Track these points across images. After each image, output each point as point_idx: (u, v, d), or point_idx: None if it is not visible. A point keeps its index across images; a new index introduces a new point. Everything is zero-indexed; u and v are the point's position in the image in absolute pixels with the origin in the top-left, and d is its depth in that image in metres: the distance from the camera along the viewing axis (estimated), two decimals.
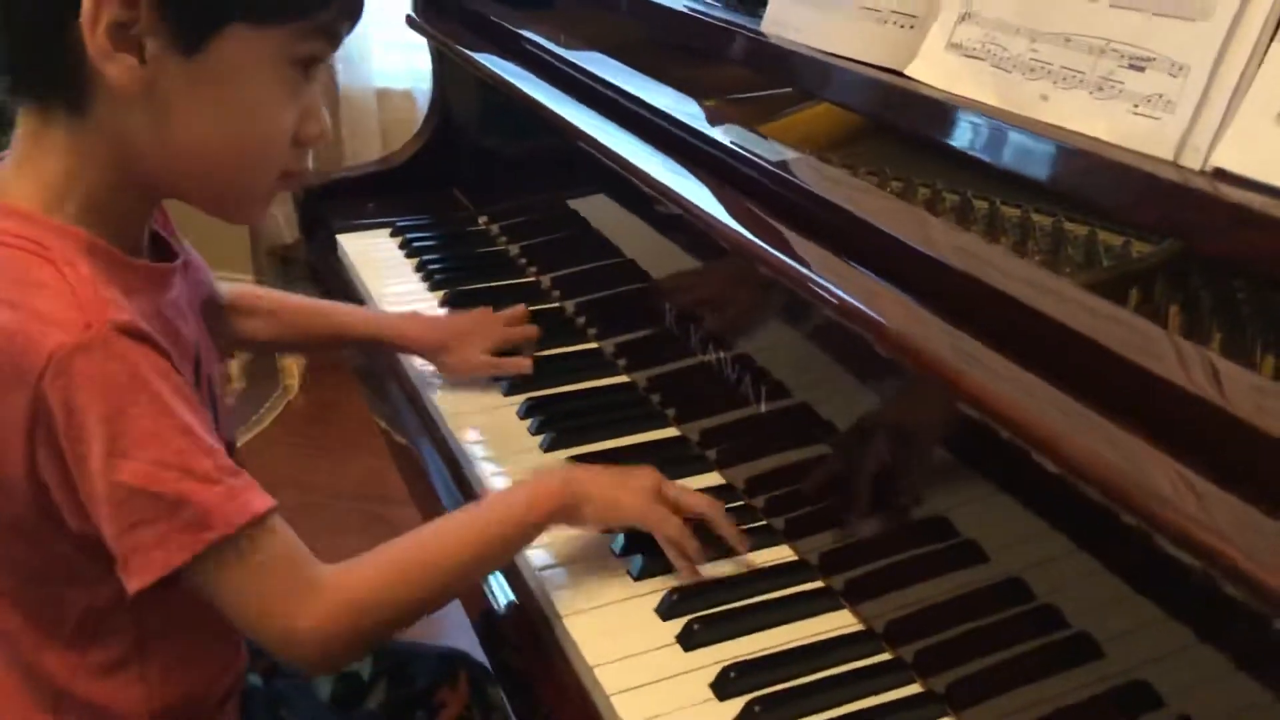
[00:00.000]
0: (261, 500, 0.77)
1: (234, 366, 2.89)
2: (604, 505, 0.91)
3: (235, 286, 1.15)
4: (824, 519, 0.94)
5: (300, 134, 0.81)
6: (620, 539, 0.95)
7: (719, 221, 0.95)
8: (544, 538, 0.95)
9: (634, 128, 1.13)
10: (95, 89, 0.74)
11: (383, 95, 2.87)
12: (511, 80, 1.31)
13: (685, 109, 1.11)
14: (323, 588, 0.79)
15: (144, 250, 0.85)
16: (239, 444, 2.76)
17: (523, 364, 1.21)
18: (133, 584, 0.75)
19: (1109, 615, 0.70)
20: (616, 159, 1.08)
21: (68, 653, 0.83)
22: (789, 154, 0.99)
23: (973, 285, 0.75)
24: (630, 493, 0.92)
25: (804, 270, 0.85)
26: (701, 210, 0.97)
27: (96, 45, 0.72)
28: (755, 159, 0.97)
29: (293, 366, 2.88)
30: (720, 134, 1.04)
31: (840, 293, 0.81)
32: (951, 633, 0.83)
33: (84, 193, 0.78)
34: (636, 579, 0.92)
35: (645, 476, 0.94)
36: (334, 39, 0.79)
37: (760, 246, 0.90)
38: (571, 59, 1.29)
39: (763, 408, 1.01)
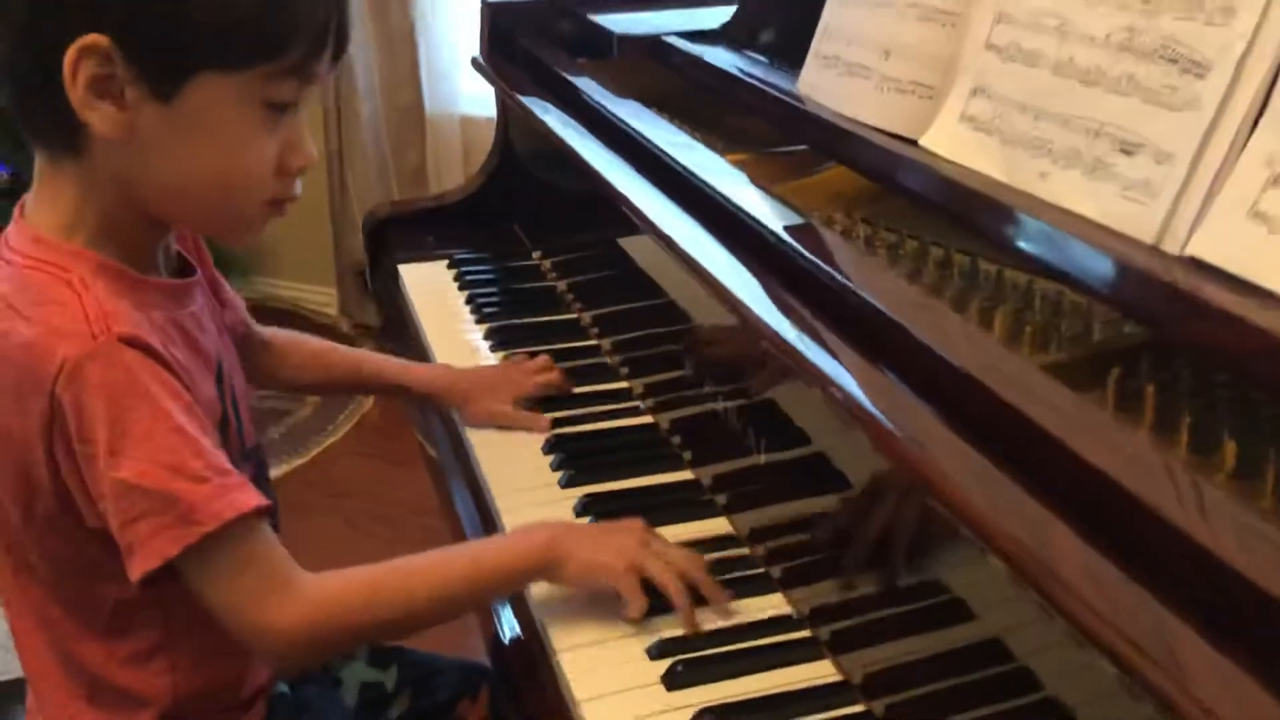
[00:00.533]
0: (250, 499, 0.83)
1: None
2: (583, 567, 0.95)
3: (276, 331, 1.24)
4: (820, 571, 0.98)
5: (284, 165, 0.88)
6: None
7: (747, 309, 0.96)
8: None
9: (676, 193, 1.17)
10: (88, 134, 0.82)
11: (466, 122, 2.97)
12: (565, 138, 1.37)
13: (730, 182, 1.14)
14: (297, 591, 0.86)
15: (160, 268, 0.93)
16: (314, 452, 2.84)
17: (539, 421, 1.25)
18: (134, 573, 0.82)
19: (1081, 683, 0.72)
20: (659, 233, 1.11)
21: (101, 643, 0.91)
22: (820, 232, 1.02)
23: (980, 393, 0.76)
24: (611, 553, 0.95)
25: (821, 370, 0.86)
26: (731, 294, 0.99)
27: (78, 97, 0.80)
28: (785, 240, 0.99)
29: None
30: (754, 207, 1.07)
31: (855, 396, 0.82)
32: (925, 689, 0.86)
33: (94, 221, 0.86)
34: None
35: (629, 535, 0.97)
36: (307, 78, 0.85)
37: (788, 344, 0.90)
38: (622, 116, 1.34)
39: (774, 459, 1.05)
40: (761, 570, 1.03)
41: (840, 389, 0.83)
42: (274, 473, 2.60)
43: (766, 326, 0.92)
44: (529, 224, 1.72)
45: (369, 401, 2.95)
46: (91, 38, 0.78)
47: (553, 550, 0.95)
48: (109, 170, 0.85)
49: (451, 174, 2.95)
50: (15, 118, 0.86)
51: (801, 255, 0.96)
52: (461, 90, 2.94)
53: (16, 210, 0.90)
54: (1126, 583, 0.58)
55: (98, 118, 0.81)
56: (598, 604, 0.99)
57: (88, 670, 0.92)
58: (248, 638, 0.87)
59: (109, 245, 0.87)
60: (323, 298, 3.33)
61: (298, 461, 2.73)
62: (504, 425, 1.26)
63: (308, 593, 0.86)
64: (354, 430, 2.86)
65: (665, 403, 1.27)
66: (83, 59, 0.79)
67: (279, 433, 2.83)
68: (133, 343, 0.81)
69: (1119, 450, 0.69)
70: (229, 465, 0.85)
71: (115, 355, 0.80)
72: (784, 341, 0.89)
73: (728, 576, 1.01)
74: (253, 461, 1.01)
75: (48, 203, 0.87)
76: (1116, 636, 0.56)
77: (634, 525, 0.99)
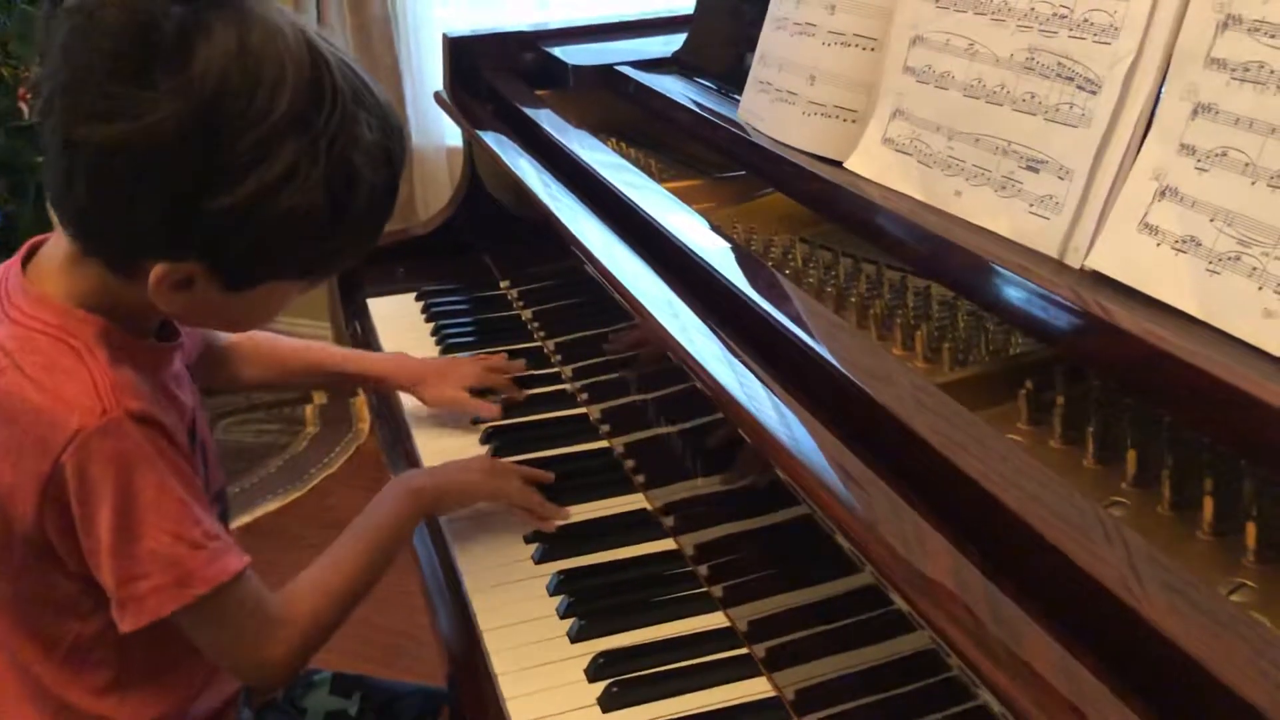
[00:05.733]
0: (237, 561, 0.90)
1: (308, 411, 3.05)
2: (458, 494, 1.14)
3: (233, 335, 1.27)
4: (759, 589, 1.00)
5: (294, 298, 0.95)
6: (564, 603, 1.03)
7: (703, 370, 0.94)
8: (494, 601, 1.04)
9: (621, 225, 1.18)
10: (142, 281, 0.84)
11: (452, 153, 3.00)
12: (516, 171, 1.40)
13: (680, 222, 1.13)
14: (279, 627, 0.95)
15: (152, 335, 0.96)
16: (311, 484, 2.87)
17: (492, 409, 1.32)
18: (125, 625, 0.88)
19: None
20: (613, 281, 1.11)
21: (64, 671, 0.96)
22: (749, 264, 1.03)
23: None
24: (476, 474, 1.14)
25: (779, 440, 0.84)
26: (685, 352, 0.97)
27: (155, 291, 0.84)
28: (720, 274, 1.00)
29: (364, 411, 3.02)
30: (693, 240, 1.07)
31: (809, 471, 0.79)
32: (854, 704, 0.88)
33: (108, 305, 0.89)
34: (573, 641, 0.99)
35: (480, 462, 1.18)
36: None
37: (725, 391, 0.89)
38: (573, 148, 1.36)
39: (724, 484, 1.07)
40: (703, 590, 1.04)
41: (740, 407, 0.85)
42: (271, 505, 2.66)
43: (674, 340, 0.95)
44: (498, 254, 1.74)
45: (365, 434, 2.98)
46: (191, 266, 0.83)
47: (426, 494, 1.11)
48: (144, 296, 0.86)
49: (439, 204, 2.96)
50: (76, 240, 0.87)
51: (724, 280, 0.99)
52: (446, 122, 2.97)
53: (16, 261, 0.92)
54: (988, 586, 0.59)
55: (165, 301, 0.85)
56: (539, 628, 1.01)
57: (52, 692, 0.96)
58: (250, 677, 1.00)
59: (113, 318, 0.89)
60: (317, 330, 3.36)
61: (295, 494, 2.76)
62: (457, 410, 1.34)
63: (288, 625, 0.95)
64: (349, 462, 2.89)
65: (620, 427, 1.29)
66: (174, 272, 0.83)
67: (277, 466, 2.86)
68: (141, 418, 0.86)
69: (1004, 467, 0.70)
70: (219, 529, 0.91)
71: (125, 430, 0.85)
72: (686, 352, 0.92)
73: (668, 596, 1.03)
74: (220, 504, 1.06)
75: (66, 277, 0.89)
76: (968, 639, 0.57)
77: (481, 456, 1.21)
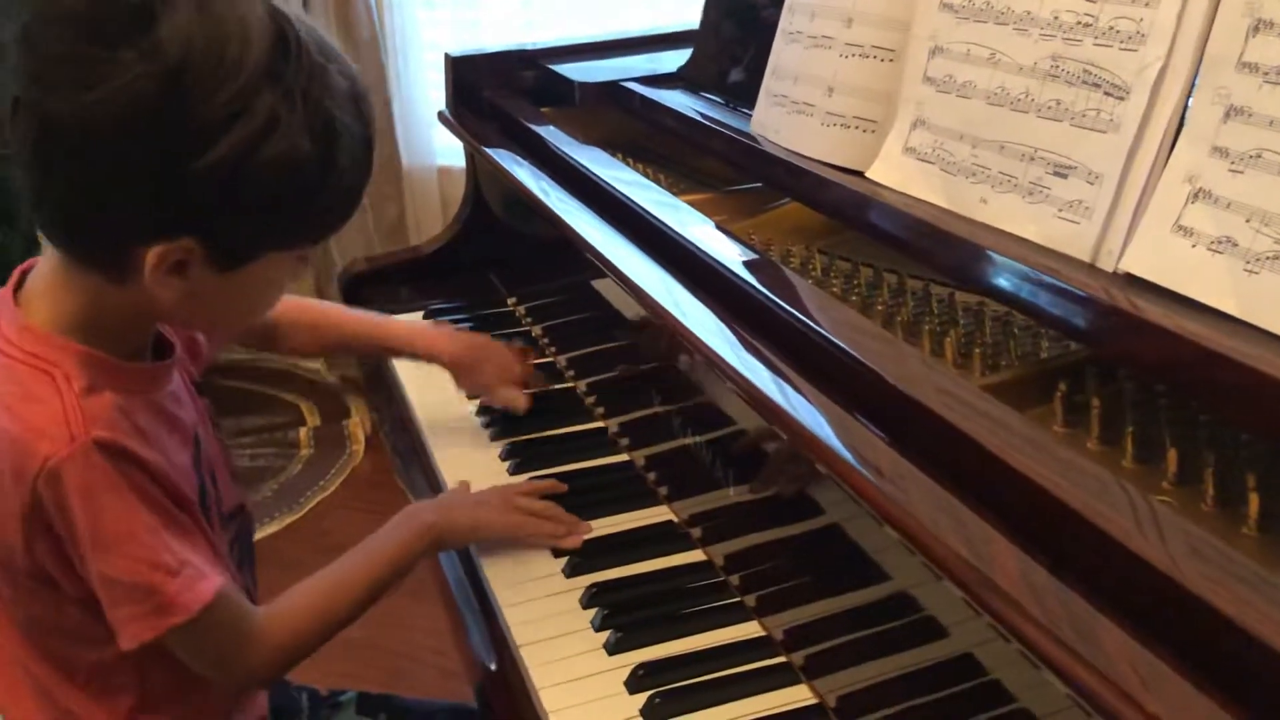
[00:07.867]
0: (212, 584, 0.90)
1: (302, 434, 3.03)
2: (468, 531, 1.14)
3: (283, 302, 1.24)
4: (792, 597, 1.00)
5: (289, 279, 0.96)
6: (598, 616, 1.03)
7: (710, 349, 0.98)
8: (528, 615, 1.05)
9: (640, 236, 1.19)
10: (136, 278, 0.84)
11: (444, 172, 3.01)
12: (530, 187, 1.40)
13: (690, 224, 1.16)
14: (260, 639, 0.97)
15: (146, 353, 0.95)
16: (307, 508, 2.84)
17: (519, 401, 1.37)
18: (122, 646, 0.90)
19: (1048, 694, 0.74)
20: (623, 278, 1.13)
21: (87, 696, 0.96)
22: (775, 267, 1.05)
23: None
24: (489, 510, 1.15)
25: (773, 401, 0.88)
26: (709, 350, 0.99)
27: (153, 277, 0.83)
28: (746, 280, 1.01)
29: (358, 432, 3.01)
30: (714, 247, 1.08)
31: (808, 427, 0.84)
32: (898, 708, 0.88)
33: (97, 323, 0.88)
34: (611, 654, 0.99)
35: (494, 495, 1.18)
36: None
37: (772, 402, 0.90)
38: (585, 163, 1.37)
39: (749, 493, 1.07)
40: (736, 599, 1.05)
41: (793, 420, 0.85)
42: (268, 530, 2.65)
43: (726, 364, 0.95)
44: (503, 271, 1.75)
45: (360, 456, 2.97)
46: (186, 243, 0.82)
47: (436, 529, 1.10)
48: (139, 298, 0.86)
49: (431, 224, 2.98)
50: (63, 247, 0.86)
51: (761, 294, 0.99)
52: (437, 142, 2.98)
53: (8, 290, 0.91)
54: (1059, 588, 0.60)
55: (162, 289, 0.84)
56: (576, 641, 1.01)
57: (79, 718, 0.95)
58: (230, 686, 1.01)
59: (100, 340, 0.88)
60: (311, 361, 3.35)
61: (290, 518, 2.74)
62: (492, 399, 1.39)
63: (269, 637, 0.97)
64: (345, 484, 2.88)
65: (640, 440, 1.29)
66: (169, 253, 0.82)
67: (271, 490, 2.84)
68: (108, 447, 0.85)
69: (1057, 466, 0.71)
70: (191, 555, 0.89)
71: (92, 459, 0.84)
72: (741, 375, 0.92)
73: (703, 606, 1.03)
74: (234, 525, 1.05)
75: (52, 299, 0.89)
76: (1050, 641, 0.58)
77: (496, 487, 1.20)
